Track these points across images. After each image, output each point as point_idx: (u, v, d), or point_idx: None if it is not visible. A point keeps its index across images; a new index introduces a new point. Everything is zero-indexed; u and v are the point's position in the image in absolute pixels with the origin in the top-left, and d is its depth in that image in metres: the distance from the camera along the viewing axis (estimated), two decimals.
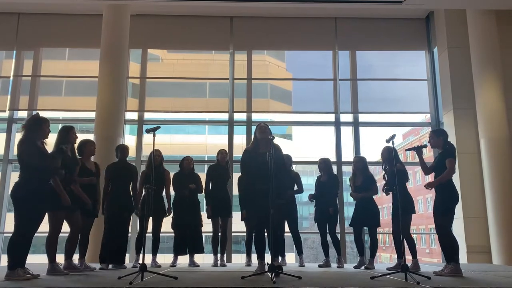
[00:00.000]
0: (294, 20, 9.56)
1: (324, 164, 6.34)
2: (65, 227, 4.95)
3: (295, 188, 6.27)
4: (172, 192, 6.23)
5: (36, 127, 4.32)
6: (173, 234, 6.23)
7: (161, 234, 6.07)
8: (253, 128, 8.99)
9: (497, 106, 8.01)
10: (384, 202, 5.74)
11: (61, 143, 4.71)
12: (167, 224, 6.16)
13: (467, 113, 8.42)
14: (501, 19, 8.54)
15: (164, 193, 6.08)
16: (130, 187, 5.83)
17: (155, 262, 5.92)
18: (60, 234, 4.81)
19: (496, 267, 6.42)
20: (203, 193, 6.25)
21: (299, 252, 6.35)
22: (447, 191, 4.77)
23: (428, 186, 4.90)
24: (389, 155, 5.06)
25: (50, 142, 4.61)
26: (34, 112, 9.00)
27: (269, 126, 4.84)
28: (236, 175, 6.58)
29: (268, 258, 4.38)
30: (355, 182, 6.01)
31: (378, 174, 6.15)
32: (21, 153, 4.20)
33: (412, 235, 5.56)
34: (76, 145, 5.10)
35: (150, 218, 5.82)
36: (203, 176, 6.40)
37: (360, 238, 5.98)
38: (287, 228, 6.30)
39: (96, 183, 5.37)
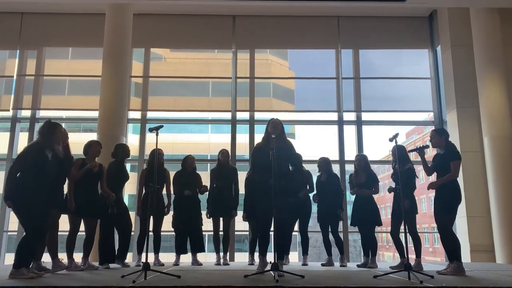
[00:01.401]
0: (296, 18, 9.54)
1: (323, 163, 6.33)
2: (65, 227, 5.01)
3: (307, 187, 6.28)
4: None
5: (50, 133, 4.40)
6: (175, 233, 6.25)
7: (164, 233, 6.09)
8: (256, 127, 9.11)
9: (501, 105, 7.98)
10: (385, 202, 5.74)
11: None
12: (169, 223, 6.18)
13: (470, 111, 8.40)
14: (505, 17, 8.50)
15: (164, 192, 6.11)
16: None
17: (158, 260, 5.94)
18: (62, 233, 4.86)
19: (499, 266, 6.40)
20: (201, 193, 6.28)
21: (304, 252, 6.34)
22: (450, 191, 4.76)
23: (430, 187, 4.88)
24: (400, 154, 5.04)
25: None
26: (40, 112, 9.15)
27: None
28: (239, 174, 6.58)
29: (270, 257, 4.39)
30: (358, 180, 6.00)
31: (381, 173, 6.14)
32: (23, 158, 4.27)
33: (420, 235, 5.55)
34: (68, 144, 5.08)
35: (151, 217, 5.83)
36: (205, 175, 6.42)
37: (365, 238, 5.96)
38: (296, 227, 6.32)
39: (96, 174, 5.34)
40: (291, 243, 6.34)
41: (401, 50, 9.86)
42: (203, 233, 6.29)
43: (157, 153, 5.02)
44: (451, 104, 8.64)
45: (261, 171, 4.68)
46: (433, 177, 5.18)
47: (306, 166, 6.53)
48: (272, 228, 4.63)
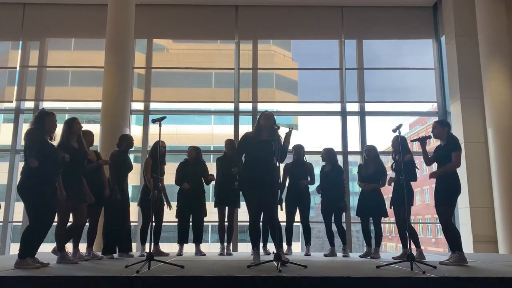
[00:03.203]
0: (300, 9, 9.48)
1: (327, 154, 6.32)
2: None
3: (308, 179, 6.28)
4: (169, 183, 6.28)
5: (40, 122, 4.34)
6: (178, 223, 6.27)
7: (167, 224, 6.12)
8: None
9: (505, 96, 7.92)
10: (389, 192, 5.74)
11: (66, 135, 4.77)
12: (171, 213, 6.20)
13: (474, 102, 8.36)
14: (510, 7, 8.41)
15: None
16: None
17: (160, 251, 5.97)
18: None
19: (502, 257, 6.41)
20: (212, 183, 6.29)
21: (307, 242, 6.37)
22: (449, 182, 4.79)
23: (431, 176, 4.91)
24: (400, 145, 5.04)
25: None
26: (43, 103, 9.16)
27: (275, 116, 4.79)
28: None
29: (272, 247, 4.41)
30: (367, 171, 5.99)
31: (384, 164, 6.14)
32: (25, 148, 4.24)
33: (416, 225, 5.57)
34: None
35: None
36: (209, 166, 6.44)
37: (367, 229, 5.99)
38: (297, 218, 6.35)
39: (100, 168, 5.42)
40: (292, 234, 6.37)
41: (405, 41, 9.80)
42: (207, 223, 6.31)
43: (160, 145, 5.03)
44: (455, 94, 8.60)
45: (253, 161, 4.65)
46: (434, 167, 5.19)
47: (309, 157, 6.52)
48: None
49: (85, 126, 5.19)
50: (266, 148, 4.43)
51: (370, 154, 6.03)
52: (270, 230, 4.75)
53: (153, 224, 5.05)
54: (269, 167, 4.47)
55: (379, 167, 5.94)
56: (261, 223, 4.81)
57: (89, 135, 5.43)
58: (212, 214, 6.44)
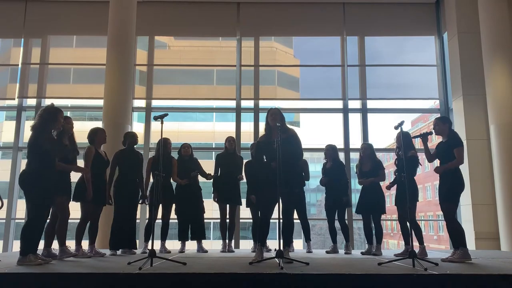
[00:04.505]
0: (301, 5, 9.46)
1: (331, 151, 6.32)
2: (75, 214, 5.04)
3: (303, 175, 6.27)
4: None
5: (52, 118, 4.35)
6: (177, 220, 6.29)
7: (170, 221, 6.14)
8: (261, 115, 9.09)
9: (508, 92, 7.89)
10: (391, 189, 5.75)
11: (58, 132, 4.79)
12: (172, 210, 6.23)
13: (477, 99, 8.33)
14: None
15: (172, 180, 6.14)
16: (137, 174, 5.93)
17: (164, 248, 5.99)
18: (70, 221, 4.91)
19: (504, 254, 6.40)
20: (208, 179, 6.30)
21: (307, 239, 6.38)
22: (453, 179, 4.80)
23: (436, 170, 4.93)
24: (404, 141, 5.02)
25: None
26: (46, 101, 9.17)
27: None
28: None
29: (275, 244, 4.41)
30: (362, 168, 6.01)
31: (387, 161, 6.14)
32: (34, 141, 4.24)
33: (419, 222, 5.56)
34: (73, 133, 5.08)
35: (160, 205, 5.87)
36: (209, 163, 6.44)
37: (369, 226, 6.00)
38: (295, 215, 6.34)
39: (105, 161, 5.48)
40: (293, 231, 6.37)
41: (407, 37, 9.77)
42: (208, 220, 6.32)
43: (162, 142, 5.04)
44: (457, 91, 8.57)
45: (265, 164, 4.64)
46: (436, 163, 5.18)
47: (311, 154, 6.52)
48: (275, 216, 4.65)
49: (87, 124, 5.22)
50: (280, 147, 4.38)
51: (366, 152, 6.07)
52: (281, 228, 4.71)
53: (156, 221, 5.07)
54: (284, 167, 4.37)
55: (374, 163, 5.97)
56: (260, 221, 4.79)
57: (101, 133, 5.51)
58: (213, 211, 6.45)
